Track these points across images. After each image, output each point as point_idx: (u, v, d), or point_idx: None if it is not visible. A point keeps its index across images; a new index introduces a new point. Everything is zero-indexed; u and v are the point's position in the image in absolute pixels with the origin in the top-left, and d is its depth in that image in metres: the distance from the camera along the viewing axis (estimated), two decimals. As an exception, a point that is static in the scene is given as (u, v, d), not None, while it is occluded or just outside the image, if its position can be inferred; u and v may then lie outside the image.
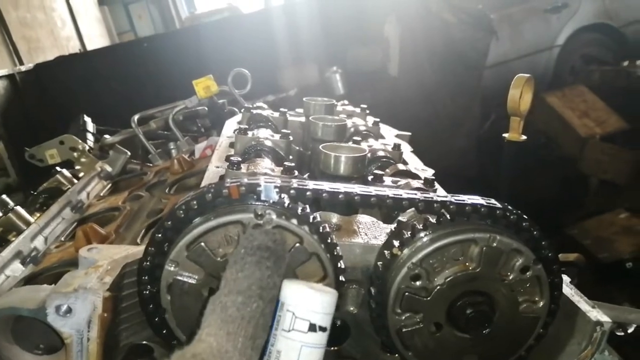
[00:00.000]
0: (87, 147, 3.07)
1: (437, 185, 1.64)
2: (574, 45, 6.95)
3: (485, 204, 1.16)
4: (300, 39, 6.54)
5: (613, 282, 4.18)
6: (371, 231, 1.33)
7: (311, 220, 1.11)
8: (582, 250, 4.47)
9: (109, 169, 2.84)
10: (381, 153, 1.97)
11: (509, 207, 1.17)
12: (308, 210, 1.12)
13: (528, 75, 1.91)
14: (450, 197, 1.20)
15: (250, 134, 2.00)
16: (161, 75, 6.24)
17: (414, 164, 2.08)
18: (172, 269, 1.07)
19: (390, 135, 2.52)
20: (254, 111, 2.42)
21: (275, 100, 5.99)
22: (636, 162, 5.11)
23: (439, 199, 1.20)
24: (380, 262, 1.17)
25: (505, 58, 6.66)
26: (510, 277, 1.13)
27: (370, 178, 1.63)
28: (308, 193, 1.18)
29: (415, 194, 1.24)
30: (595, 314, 1.23)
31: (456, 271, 1.12)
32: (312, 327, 0.90)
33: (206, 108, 3.46)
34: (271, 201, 1.11)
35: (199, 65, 5.62)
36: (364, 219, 1.40)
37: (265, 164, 1.69)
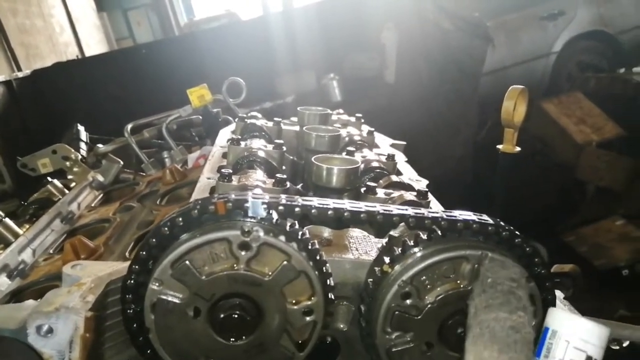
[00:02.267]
0: (80, 157, 3.03)
1: (430, 197, 1.62)
2: (570, 52, 6.97)
3: (477, 220, 1.14)
4: (298, 46, 6.54)
5: (610, 289, 4.16)
6: (362, 246, 1.31)
7: (300, 237, 1.09)
8: (578, 257, 4.46)
9: (101, 178, 2.81)
10: (375, 164, 1.94)
11: (502, 223, 1.14)
12: (297, 226, 1.10)
13: (522, 86, 1.89)
14: (441, 213, 1.17)
15: (243, 144, 1.97)
16: (160, 82, 6.22)
17: (408, 174, 2.05)
18: (156, 287, 1.05)
19: (385, 144, 2.49)
20: (248, 121, 2.40)
21: (272, 107, 5.98)
22: (633, 168, 5.10)
23: (430, 214, 1.18)
24: (371, 279, 1.14)
25: (502, 65, 6.67)
26: (503, 295, 1.11)
27: (362, 190, 1.60)
28: (297, 209, 1.16)
29: (406, 210, 1.21)
30: (590, 331, 1.20)
31: (447, 289, 1.10)
32: (589, 359, 0.93)
33: (200, 117, 3.44)
34: (259, 217, 1.09)
35: (198, 71, 5.61)
36: (355, 233, 1.38)
37: (257, 176, 1.66)
